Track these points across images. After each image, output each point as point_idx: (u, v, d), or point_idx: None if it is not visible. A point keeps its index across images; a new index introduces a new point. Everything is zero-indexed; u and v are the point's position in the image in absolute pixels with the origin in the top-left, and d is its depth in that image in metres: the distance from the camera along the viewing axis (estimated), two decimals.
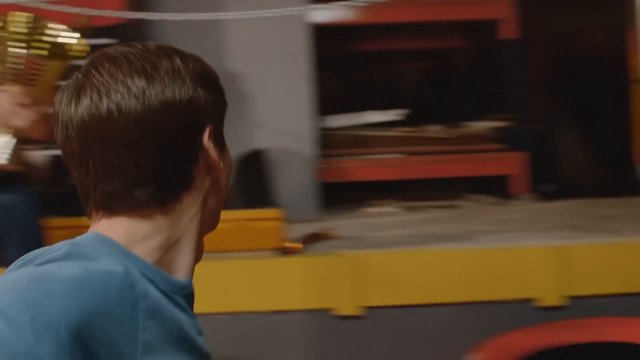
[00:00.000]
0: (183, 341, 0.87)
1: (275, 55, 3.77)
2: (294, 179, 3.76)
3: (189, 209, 0.91)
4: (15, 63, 2.19)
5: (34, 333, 0.73)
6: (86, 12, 2.27)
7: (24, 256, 0.86)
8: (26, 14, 2.30)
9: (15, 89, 2.24)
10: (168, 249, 0.90)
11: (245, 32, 3.66)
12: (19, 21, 2.27)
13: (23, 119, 2.28)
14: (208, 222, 0.95)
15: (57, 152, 2.91)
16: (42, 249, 0.86)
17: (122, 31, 2.86)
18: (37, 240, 2.37)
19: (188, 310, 0.90)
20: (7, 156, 2.43)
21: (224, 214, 1.02)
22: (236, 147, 3.47)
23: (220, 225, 1.00)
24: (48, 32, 2.31)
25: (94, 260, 0.82)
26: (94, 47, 2.38)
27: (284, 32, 3.69)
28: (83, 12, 2.32)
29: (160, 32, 3.68)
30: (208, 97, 0.92)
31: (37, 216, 2.41)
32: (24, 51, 2.20)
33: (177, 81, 0.89)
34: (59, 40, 2.31)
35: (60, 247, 0.84)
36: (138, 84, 0.87)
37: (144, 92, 0.87)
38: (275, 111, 3.78)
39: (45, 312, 0.74)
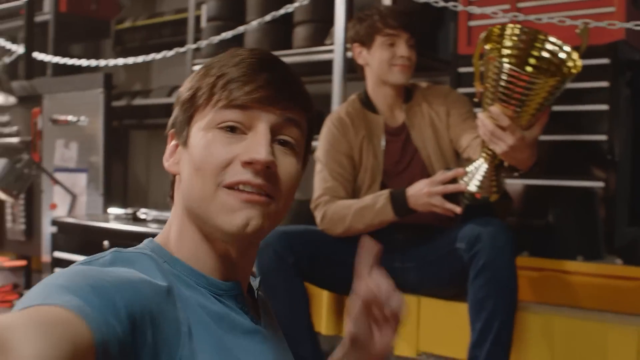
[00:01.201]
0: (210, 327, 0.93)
1: None
2: None
3: None
4: (504, 80, 1.96)
5: (98, 301, 0.75)
6: (587, 24, 1.98)
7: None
8: (522, 26, 2.07)
9: (498, 109, 2.03)
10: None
11: None
12: (515, 34, 2.06)
13: (503, 143, 2.05)
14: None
15: (535, 182, 2.57)
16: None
17: (617, 50, 2.49)
18: (507, 278, 2.12)
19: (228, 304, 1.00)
20: (479, 183, 2.24)
21: None
22: None
23: None
24: (546, 46, 2.06)
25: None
26: (585, 68, 2.07)
27: None
28: (582, 25, 2.02)
29: None
30: None
31: (511, 252, 2.16)
32: (515, 67, 1.95)
33: None
34: (558, 56, 2.04)
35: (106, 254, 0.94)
36: None
37: None
38: None
39: (109, 293, 0.77)
